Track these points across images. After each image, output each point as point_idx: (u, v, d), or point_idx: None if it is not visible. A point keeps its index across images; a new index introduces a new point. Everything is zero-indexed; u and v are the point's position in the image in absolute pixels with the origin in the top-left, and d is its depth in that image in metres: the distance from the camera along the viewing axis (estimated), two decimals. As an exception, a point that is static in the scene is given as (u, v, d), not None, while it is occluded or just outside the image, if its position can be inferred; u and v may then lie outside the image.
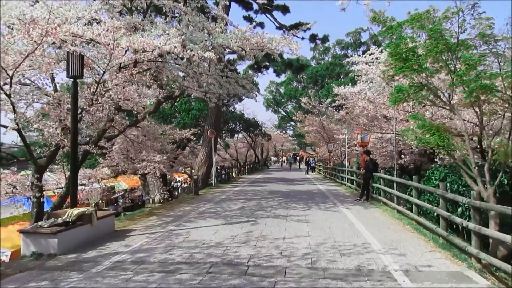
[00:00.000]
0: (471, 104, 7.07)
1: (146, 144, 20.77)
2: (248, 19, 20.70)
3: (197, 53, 8.73)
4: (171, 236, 7.30)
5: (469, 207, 6.22)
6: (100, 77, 8.60)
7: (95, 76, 9.14)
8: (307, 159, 37.23)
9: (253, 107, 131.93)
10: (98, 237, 7.03)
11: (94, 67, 8.96)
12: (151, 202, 25.72)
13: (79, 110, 8.13)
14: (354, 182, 15.45)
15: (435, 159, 15.21)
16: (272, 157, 63.38)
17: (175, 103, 30.36)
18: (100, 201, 29.65)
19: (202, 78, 10.75)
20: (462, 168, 6.70)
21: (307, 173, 33.06)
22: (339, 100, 18.01)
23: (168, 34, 8.01)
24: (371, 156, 12.46)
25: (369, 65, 16.84)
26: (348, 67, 18.60)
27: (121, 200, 29.92)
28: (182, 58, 10.29)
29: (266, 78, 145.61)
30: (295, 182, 21.19)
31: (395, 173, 9.62)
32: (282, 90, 50.94)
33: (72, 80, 7.28)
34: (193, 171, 29.22)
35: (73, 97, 7.26)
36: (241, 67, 31.41)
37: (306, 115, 31.67)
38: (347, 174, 17.29)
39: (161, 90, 20.39)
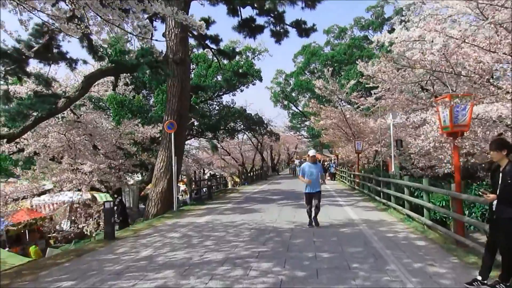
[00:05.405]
0: None
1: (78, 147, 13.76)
2: None
3: None
4: None
5: None
6: None
7: None
8: (325, 163, 29.04)
9: (259, 104, 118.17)
10: None
11: None
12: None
13: None
14: (430, 212, 7.32)
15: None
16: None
17: (142, 93, 22.94)
18: (75, 218, 23.02)
19: None
20: None
21: (325, 182, 24.87)
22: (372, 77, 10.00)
23: None
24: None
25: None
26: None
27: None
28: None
29: (270, 65, 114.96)
30: (308, 202, 13.06)
31: None
32: (292, 81, 42.72)
33: None
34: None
35: None
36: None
37: (322, 105, 23.77)
38: (406, 193, 9.11)
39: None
